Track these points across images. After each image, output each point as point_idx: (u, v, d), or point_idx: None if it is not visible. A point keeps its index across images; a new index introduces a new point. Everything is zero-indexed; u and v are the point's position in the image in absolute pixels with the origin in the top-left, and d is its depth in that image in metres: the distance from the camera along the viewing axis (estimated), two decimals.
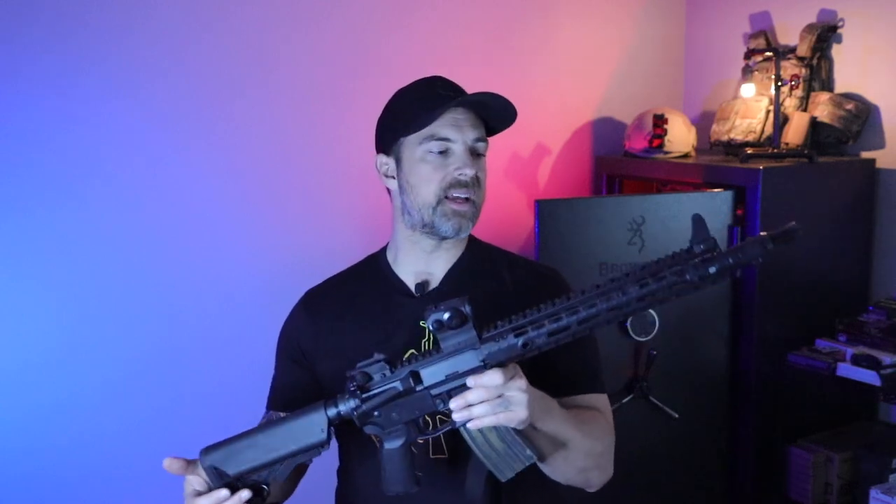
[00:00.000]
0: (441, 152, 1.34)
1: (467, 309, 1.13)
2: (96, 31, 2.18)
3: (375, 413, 1.18)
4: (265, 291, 2.45)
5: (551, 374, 1.31)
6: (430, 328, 1.14)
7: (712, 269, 1.09)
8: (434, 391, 1.17)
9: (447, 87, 1.37)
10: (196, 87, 2.33)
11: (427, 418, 1.28)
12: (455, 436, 1.25)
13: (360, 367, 1.18)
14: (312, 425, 1.19)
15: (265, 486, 1.21)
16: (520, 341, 1.13)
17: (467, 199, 1.34)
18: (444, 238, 1.37)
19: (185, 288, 2.37)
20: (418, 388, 1.17)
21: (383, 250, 1.49)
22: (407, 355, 1.24)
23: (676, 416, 2.51)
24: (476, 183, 1.35)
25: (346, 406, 1.18)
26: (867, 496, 2.29)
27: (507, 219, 2.87)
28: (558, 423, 1.23)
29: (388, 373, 1.18)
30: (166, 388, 2.35)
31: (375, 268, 1.46)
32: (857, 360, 2.30)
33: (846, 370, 2.32)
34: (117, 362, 2.29)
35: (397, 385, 1.17)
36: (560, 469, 1.29)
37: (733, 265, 1.09)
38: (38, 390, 2.19)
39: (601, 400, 1.40)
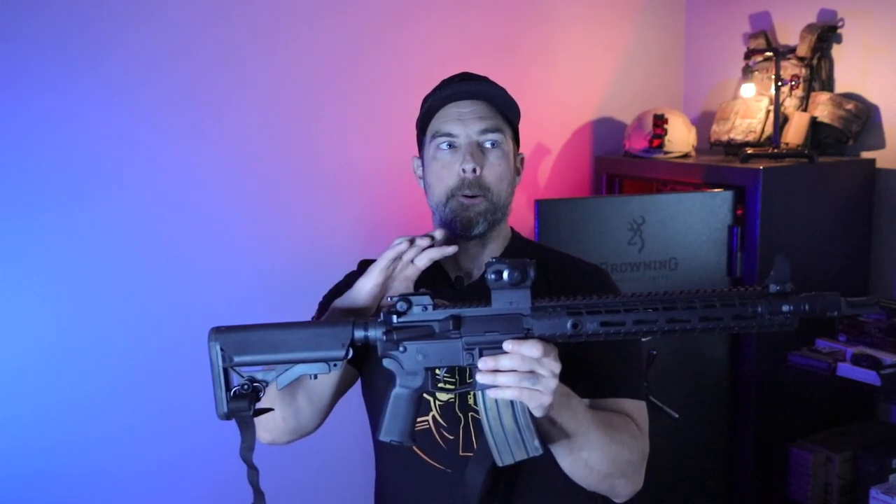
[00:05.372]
0: (449, 149, 1.34)
1: (532, 272, 1.09)
2: (96, 32, 2.18)
3: (401, 348, 1.13)
4: (265, 290, 2.45)
5: (586, 371, 1.26)
6: (488, 278, 1.09)
7: (785, 308, 1.04)
8: (468, 343, 1.12)
9: (461, 83, 1.36)
10: (196, 87, 2.33)
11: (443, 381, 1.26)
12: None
13: (403, 295, 1.13)
14: (335, 337, 1.13)
15: (260, 386, 1.14)
16: (570, 321, 1.08)
17: (481, 197, 1.32)
18: (459, 236, 1.35)
19: (185, 287, 2.37)
20: (453, 334, 1.12)
21: None
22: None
23: (676, 416, 2.50)
24: (480, 185, 1.32)
25: (374, 331, 1.13)
26: (867, 496, 2.29)
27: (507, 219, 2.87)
28: (580, 423, 1.18)
29: (429, 309, 1.13)
30: (166, 387, 2.35)
31: None
32: (857, 360, 2.30)
33: (846, 370, 2.32)
34: (116, 362, 2.29)
35: (434, 325, 1.12)
36: (580, 472, 1.24)
37: (808, 311, 1.04)
38: (39, 390, 2.19)
39: (636, 406, 1.34)
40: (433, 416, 1.34)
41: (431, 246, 1.23)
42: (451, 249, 1.24)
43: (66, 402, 2.23)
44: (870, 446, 2.45)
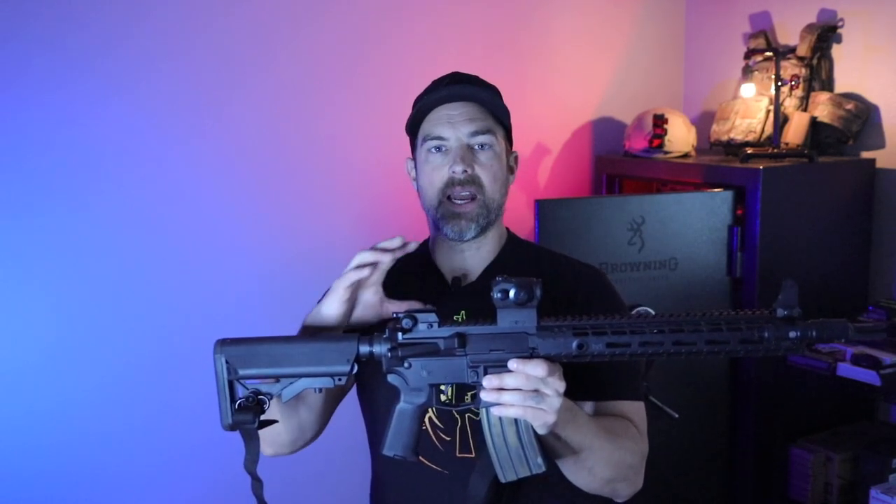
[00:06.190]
0: (440, 151, 1.34)
1: (538, 291, 1.10)
2: (96, 32, 2.18)
3: (406, 364, 1.14)
4: (264, 289, 2.45)
5: (585, 375, 1.26)
6: (494, 297, 1.10)
7: (793, 334, 1.05)
8: (472, 361, 1.13)
9: (451, 85, 1.36)
10: (196, 85, 2.33)
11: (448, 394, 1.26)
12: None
13: (409, 311, 1.14)
14: (340, 353, 1.13)
15: (265, 399, 1.15)
16: (576, 342, 1.09)
17: (472, 199, 1.32)
18: (452, 241, 1.35)
19: (185, 286, 2.37)
20: (458, 352, 1.12)
21: (426, 241, 1.47)
22: (458, 316, 1.18)
23: (676, 416, 2.50)
24: (473, 181, 1.33)
25: (379, 347, 1.14)
26: (867, 496, 2.29)
27: (507, 219, 2.85)
28: (584, 436, 1.18)
29: (435, 326, 1.13)
30: (166, 387, 2.35)
31: (419, 258, 1.44)
32: (857, 360, 2.30)
33: (846, 370, 2.32)
34: (116, 362, 2.28)
35: (440, 342, 1.13)
36: (584, 479, 1.25)
37: (815, 338, 1.06)
38: (39, 390, 2.19)
39: (635, 408, 1.35)
40: (430, 418, 1.33)
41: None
42: (412, 245, 1.22)
43: (66, 402, 2.23)
44: (870, 446, 2.45)
